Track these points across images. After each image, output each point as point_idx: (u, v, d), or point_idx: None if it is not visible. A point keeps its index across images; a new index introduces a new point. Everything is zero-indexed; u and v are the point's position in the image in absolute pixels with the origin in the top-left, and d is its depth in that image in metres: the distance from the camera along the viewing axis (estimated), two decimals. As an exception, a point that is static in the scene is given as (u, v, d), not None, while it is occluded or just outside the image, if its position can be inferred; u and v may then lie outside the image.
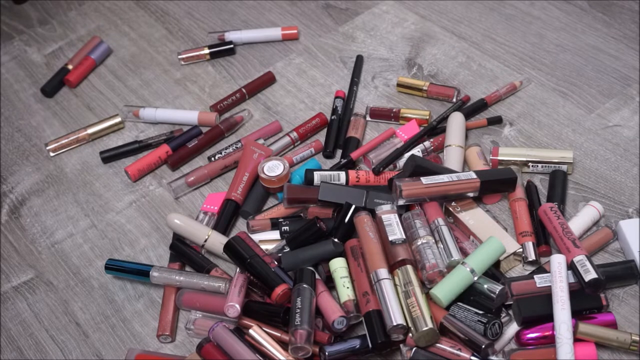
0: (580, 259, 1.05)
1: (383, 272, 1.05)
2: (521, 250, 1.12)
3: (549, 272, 1.06)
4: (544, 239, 1.13)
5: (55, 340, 1.14)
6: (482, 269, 1.06)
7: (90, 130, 1.39)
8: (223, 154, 1.32)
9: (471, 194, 1.15)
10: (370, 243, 1.08)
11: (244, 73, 1.48)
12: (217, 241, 1.16)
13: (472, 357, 1.01)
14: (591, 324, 1.01)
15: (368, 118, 1.36)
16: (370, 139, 1.31)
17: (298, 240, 1.11)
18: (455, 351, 1.01)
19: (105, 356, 1.12)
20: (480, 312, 1.04)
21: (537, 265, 1.12)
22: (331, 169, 1.25)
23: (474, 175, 1.15)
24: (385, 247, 1.08)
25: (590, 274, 1.03)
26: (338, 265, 1.08)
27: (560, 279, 1.03)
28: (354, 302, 1.05)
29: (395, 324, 1.00)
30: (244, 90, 1.42)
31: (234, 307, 1.04)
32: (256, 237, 1.16)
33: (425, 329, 1.00)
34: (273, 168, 1.23)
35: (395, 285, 1.05)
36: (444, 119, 1.31)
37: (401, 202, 1.12)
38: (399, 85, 1.39)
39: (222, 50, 1.50)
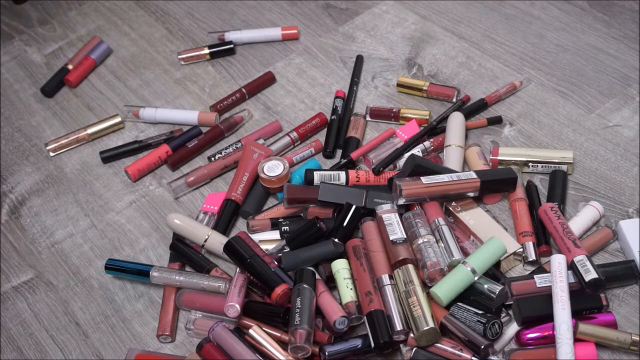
0: (580, 258, 1.05)
1: (389, 278, 1.05)
2: (521, 250, 1.12)
3: (549, 272, 1.06)
4: (544, 239, 1.13)
5: (55, 340, 1.14)
6: (483, 269, 1.05)
7: (90, 130, 1.39)
8: (223, 154, 1.32)
9: (471, 194, 1.15)
10: (378, 248, 1.08)
11: (244, 73, 1.48)
12: (217, 241, 1.16)
13: (473, 358, 1.01)
14: (591, 324, 1.01)
15: (368, 118, 1.36)
16: (370, 139, 1.31)
17: (298, 240, 1.11)
18: (456, 351, 1.01)
19: (105, 356, 1.12)
20: (480, 312, 1.04)
21: (537, 265, 1.12)
22: (331, 169, 1.25)
23: (474, 175, 1.15)
24: (386, 247, 1.08)
25: (590, 274, 1.03)
26: (341, 267, 1.08)
27: (560, 279, 1.03)
28: (355, 304, 1.05)
29: (400, 329, 1.01)
30: (244, 90, 1.42)
31: (234, 307, 1.04)
32: (256, 237, 1.16)
33: (426, 328, 1.00)
34: (273, 168, 1.23)
35: (396, 284, 1.05)
36: (444, 119, 1.31)
37: (401, 202, 1.12)
38: (399, 85, 1.39)
39: (222, 50, 1.50)
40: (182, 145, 1.34)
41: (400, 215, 1.12)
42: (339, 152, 1.32)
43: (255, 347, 1.03)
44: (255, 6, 1.61)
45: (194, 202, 1.28)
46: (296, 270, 1.08)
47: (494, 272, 1.09)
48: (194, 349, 1.08)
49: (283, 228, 1.16)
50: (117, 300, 1.17)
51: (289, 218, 1.18)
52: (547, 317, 1.02)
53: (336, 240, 1.10)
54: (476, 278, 1.05)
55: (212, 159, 1.32)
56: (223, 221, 1.21)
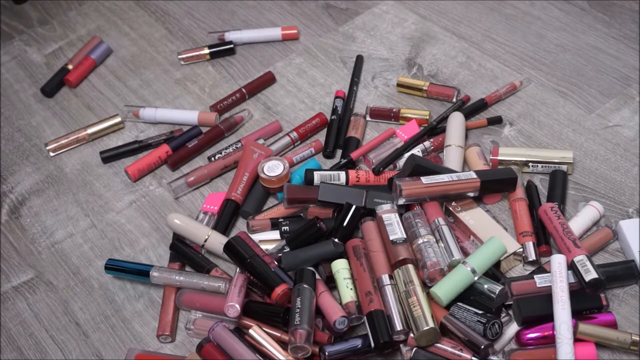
0: (580, 258, 1.05)
1: (389, 278, 1.05)
2: (521, 250, 1.12)
3: (549, 272, 1.06)
4: (545, 238, 1.13)
5: (55, 340, 1.14)
6: (483, 269, 1.05)
7: (90, 130, 1.39)
8: (223, 154, 1.32)
9: (471, 194, 1.15)
10: (378, 248, 1.08)
11: (244, 73, 1.48)
12: (217, 241, 1.16)
13: (473, 358, 1.01)
14: (591, 324, 1.01)
15: (368, 118, 1.36)
16: (370, 139, 1.31)
17: (298, 240, 1.11)
18: (456, 351, 1.01)
19: (105, 356, 1.12)
20: (480, 312, 1.04)
21: (537, 265, 1.12)
22: (331, 169, 1.25)
23: (474, 175, 1.15)
24: (386, 247, 1.08)
25: (590, 274, 1.03)
26: (341, 267, 1.08)
27: (560, 279, 1.03)
28: (355, 304, 1.05)
29: (400, 329, 1.01)
30: (244, 90, 1.42)
31: (234, 307, 1.04)
32: (256, 237, 1.16)
33: (426, 328, 1.00)
34: (273, 168, 1.23)
35: (396, 284, 1.05)
36: (444, 119, 1.31)
37: (401, 202, 1.12)
38: (399, 85, 1.39)
39: (222, 50, 1.50)
40: (182, 145, 1.34)
41: (400, 215, 1.12)
42: (339, 152, 1.32)
43: (255, 347, 1.03)
44: (255, 6, 1.61)
45: (194, 202, 1.28)
46: (296, 270, 1.08)
47: (494, 272, 1.09)
48: (194, 349, 1.07)
49: (283, 228, 1.16)
50: (117, 300, 1.17)
51: (289, 218, 1.18)
52: (547, 317, 1.02)
53: (336, 240, 1.10)
54: (476, 278, 1.05)
55: (212, 159, 1.32)
56: (223, 221, 1.21)
